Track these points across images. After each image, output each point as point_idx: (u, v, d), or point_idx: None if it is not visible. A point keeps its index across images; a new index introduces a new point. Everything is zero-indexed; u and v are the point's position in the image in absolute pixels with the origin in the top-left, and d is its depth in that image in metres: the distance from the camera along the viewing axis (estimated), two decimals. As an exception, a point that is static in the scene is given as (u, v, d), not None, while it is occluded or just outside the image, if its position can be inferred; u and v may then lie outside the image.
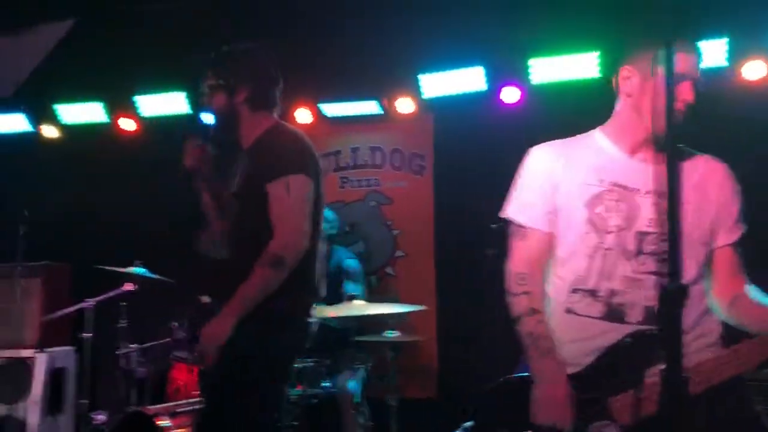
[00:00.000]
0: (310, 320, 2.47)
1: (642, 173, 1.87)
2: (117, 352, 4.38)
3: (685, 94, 1.80)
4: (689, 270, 1.74)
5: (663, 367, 1.59)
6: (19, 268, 4.25)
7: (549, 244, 1.94)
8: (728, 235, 1.91)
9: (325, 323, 3.80)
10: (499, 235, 4.20)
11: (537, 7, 4.38)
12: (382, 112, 5.12)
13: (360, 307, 3.58)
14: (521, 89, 4.63)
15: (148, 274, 4.28)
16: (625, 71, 1.90)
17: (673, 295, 1.04)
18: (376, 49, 4.87)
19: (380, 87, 5.03)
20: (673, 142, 1.07)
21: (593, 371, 1.81)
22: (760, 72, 4.19)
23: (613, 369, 1.77)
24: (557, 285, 1.94)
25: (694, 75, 1.83)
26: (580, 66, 4.41)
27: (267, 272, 2.25)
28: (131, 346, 4.44)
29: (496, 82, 4.71)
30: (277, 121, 2.54)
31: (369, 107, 5.12)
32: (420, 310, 4.03)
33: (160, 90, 5.24)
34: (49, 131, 5.53)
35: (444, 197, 5.04)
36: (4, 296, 4.66)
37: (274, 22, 5.08)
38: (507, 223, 2.00)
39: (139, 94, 5.26)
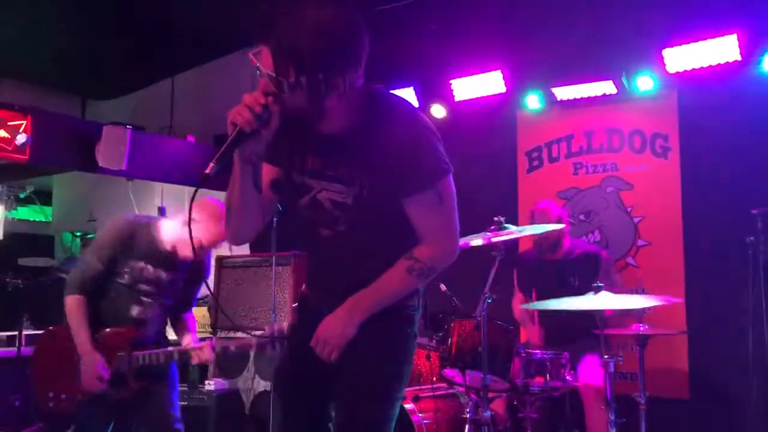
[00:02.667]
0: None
1: None
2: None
3: None
4: None
5: None
6: (273, 257, 4.62)
7: None
8: None
9: (568, 314, 3.69)
10: (762, 220, 3.82)
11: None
12: (619, 92, 4.81)
13: (605, 299, 3.38)
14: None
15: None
16: None
17: None
18: (611, 24, 4.60)
19: (616, 65, 4.73)
20: None
21: None
22: None
23: None
24: None
25: None
26: None
27: (412, 280, 1.89)
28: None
29: (754, 50, 4.21)
30: (372, 88, 1.82)
31: (604, 88, 4.84)
32: (668, 304, 3.72)
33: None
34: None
35: (692, 180, 4.61)
36: (262, 283, 5.13)
37: (499, 8, 5.04)
38: None
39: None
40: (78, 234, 8.59)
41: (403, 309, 1.98)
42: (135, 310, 3.08)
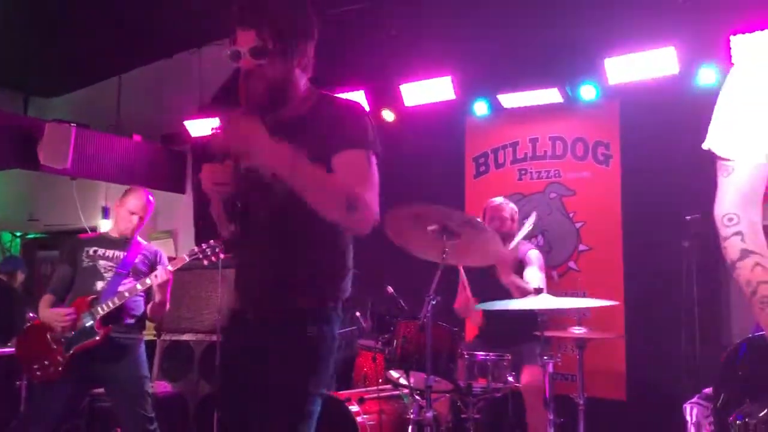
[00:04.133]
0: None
1: None
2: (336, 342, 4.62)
3: None
4: None
5: None
6: (220, 260, 4.59)
7: (762, 175, 1.63)
8: None
9: (509, 315, 3.77)
10: (695, 226, 3.97)
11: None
12: (563, 101, 4.95)
13: (546, 301, 3.47)
14: (720, 70, 4.27)
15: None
16: None
17: None
18: (557, 35, 4.73)
19: (561, 74, 4.87)
20: None
21: None
22: None
23: None
24: None
25: None
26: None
27: (336, 192, 1.85)
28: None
29: (691, 63, 4.39)
30: (323, 91, 2.09)
31: (549, 96, 4.97)
32: (607, 306, 3.84)
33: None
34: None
35: (632, 187, 4.78)
36: (209, 285, 5.09)
37: (447, 14, 5.12)
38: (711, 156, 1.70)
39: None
40: (18, 234, 8.35)
41: (322, 309, 2.01)
42: (99, 285, 3.70)
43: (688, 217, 3.97)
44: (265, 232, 2.02)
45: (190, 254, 3.82)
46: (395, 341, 3.56)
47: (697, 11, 4.25)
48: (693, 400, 2.65)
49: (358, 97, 5.46)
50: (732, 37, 4.14)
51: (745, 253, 1.59)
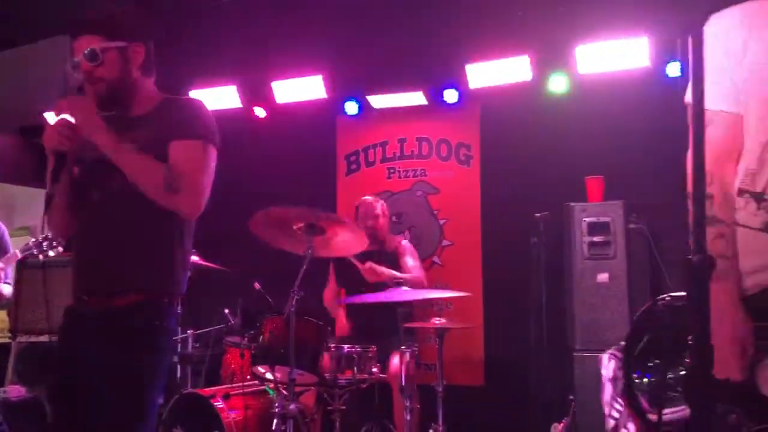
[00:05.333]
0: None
1: None
2: (174, 337, 4.55)
3: None
4: None
5: None
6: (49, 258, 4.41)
7: (739, 129, 1.55)
8: None
9: (375, 309, 3.91)
10: (543, 223, 4.29)
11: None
12: (429, 103, 5.17)
13: (406, 293, 3.63)
14: (569, 78, 4.63)
15: (201, 261, 4.41)
16: None
17: (699, 270, 0.90)
18: (424, 40, 4.93)
19: (426, 78, 5.08)
20: None
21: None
22: None
23: None
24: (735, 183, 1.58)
25: None
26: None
27: (154, 174, 1.96)
28: (188, 331, 4.62)
29: (543, 71, 4.72)
30: (169, 95, 2.25)
31: (415, 98, 5.17)
32: (467, 298, 4.08)
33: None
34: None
35: (490, 186, 5.07)
36: (67, 284, 4.87)
37: (322, 14, 5.19)
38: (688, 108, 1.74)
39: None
40: None
41: (156, 303, 2.05)
42: None
43: (537, 215, 4.28)
44: (97, 222, 2.06)
45: (24, 249, 3.63)
46: (261, 337, 3.61)
47: (546, 23, 4.57)
48: (611, 351, 2.66)
49: (230, 92, 5.43)
50: (578, 48, 4.50)
51: (710, 221, 1.48)
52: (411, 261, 4.37)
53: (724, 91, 1.55)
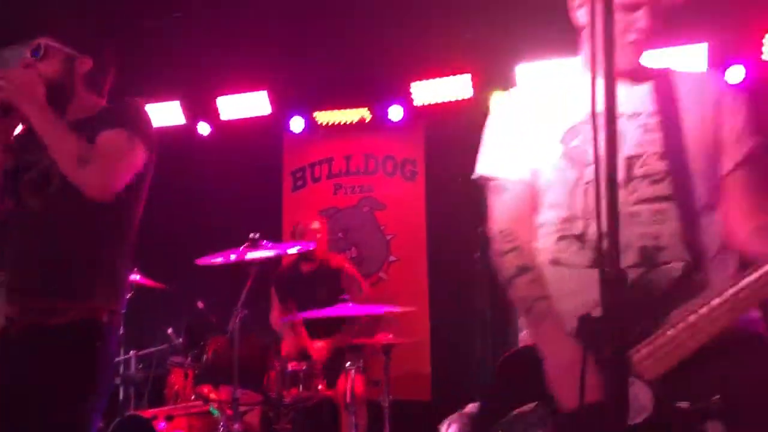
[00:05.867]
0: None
1: (625, 96, 1.58)
2: (116, 359, 4.44)
3: (640, 21, 1.60)
4: (701, 198, 1.57)
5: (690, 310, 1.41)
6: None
7: (530, 194, 1.70)
8: (734, 156, 1.62)
9: (318, 326, 3.91)
10: (485, 238, 4.35)
11: (526, 13, 4.47)
12: (374, 120, 5.22)
13: (351, 309, 3.64)
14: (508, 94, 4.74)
15: (143, 280, 4.34)
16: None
17: (612, 283, 0.95)
18: (368, 57, 4.97)
19: (372, 95, 5.13)
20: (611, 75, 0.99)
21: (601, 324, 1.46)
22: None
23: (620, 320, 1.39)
24: (543, 236, 1.69)
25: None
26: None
27: (72, 146, 1.93)
28: (130, 352, 4.52)
29: (485, 89, 4.82)
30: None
31: (361, 115, 5.21)
32: (414, 313, 4.11)
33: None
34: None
35: (435, 202, 5.14)
36: None
37: (266, 30, 5.19)
38: (482, 181, 1.79)
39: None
40: None
41: (94, 323, 1.99)
42: None
43: (479, 229, 4.34)
44: (31, 236, 2.00)
45: None
46: (205, 356, 3.56)
47: (488, 44, 4.68)
48: (453, 416, 2.64)
49: (173, 108, 5.37)
50: (518, 67, 4.61)
51: (522, 270, 1.61)
52: (357, 281, 4.44)
53: (516, 161, 1.70)
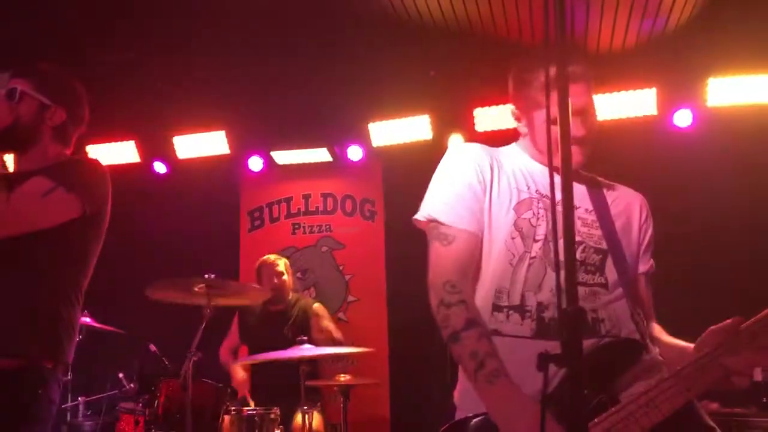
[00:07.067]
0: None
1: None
2: (63, 406, 4.27)
3: (575, 129, 1.63)
4: (625, 291, 1.69)
5: (648, 382, 1.47)
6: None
7: (477, 249, 1.66)
8: (644, 264, 1.82)
9: (275, 368, 3.82)
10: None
11: (485, 56, 4.56)
12: (333, 160, 5.22)
13: (308, 350, 3.58)
14: (467, 136, 4.81)
15: (93, 323, 4.21)
16: (514, 110, 1.82)
17: (572, 318, 0.95)
18: (326, 98, 5.00)
19: (330, 135, 5.15)
20: (567, 166, 1.06)
21: (557, 395, 1.47)
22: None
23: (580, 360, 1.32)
24: (477, 301, 1.63)
25: (582, 105, 1.68)
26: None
27: None
28: (78, 398, 4.35)
29: (443, 130, 4.88)
30: (74, 156, 2.22)
31: (320, 155, 5.22)
32: (372, 355, 4.06)
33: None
34: None
35: (394, 241, 5.13)
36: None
37: (225, 70, 5.19)
38: (427, 224, 1.72)
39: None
40: None
41: (36, 369, 1.93)
42: None
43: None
44: None
45: None
46: (156, 401, 3.45)
47: (446, 84, 4.76)
48: None
49: (129, 146, 5.30)
50: (474, 110, 4.69)
51: (471, 323, 1.51)
52: (330, 324, 4.37)
53: (471, 213, 1.66)
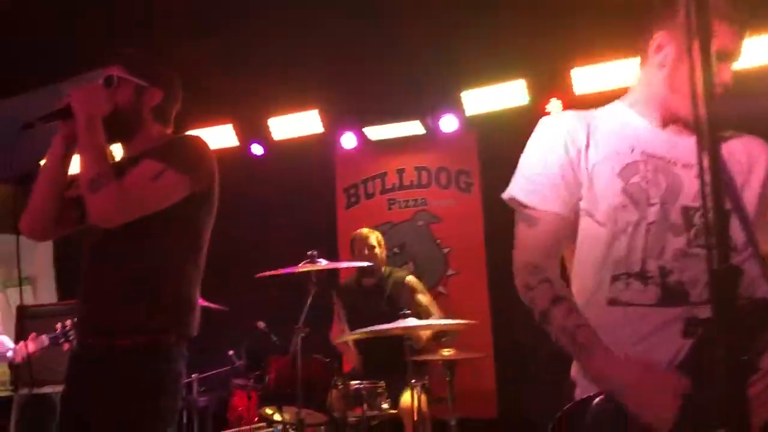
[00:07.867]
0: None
1: (677, 146, 1.59)
2: (181, 381, 4.45)
3: (724, 75, 1.54)
4: (750, 241, 1.53)
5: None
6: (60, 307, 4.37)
7: (564, 229, 1.61)
8: None
9: (382, 343, 3.82)
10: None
11: (577, 17, 4.35)
12: (426, 132, 5.15)
13: (413, 324, 3.55)
14: (566, 99, 4.61)
15: (203, 302, 4.34)
16: (657, 37, 1.61)
17: (726, 277, 0.87)
18: (417, 69, 4.92)
19: (423, 107, 5.07)
20: (712, 124, 0.94)
21: (688, 366, 1.42)
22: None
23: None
24: (587, 275, 1.60)
25: (735, 52, 1.57)
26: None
27: (93, 171, 1.92)
28: (192, 375, 4.52)
29: (539, 94, 4.70)
30: (177, 135, 2.26)
31: (412, 128, 5.15)
32: (475, 328, 3.98)
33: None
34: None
35: (493, 213, 5.01)
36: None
37: (314, 50, 5.20)
38: (513, 204, 1.67)
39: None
40: None
41: (158, 344, 1.98)
42: None
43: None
44: (97, 263, 2.03)
45: (52, 336, 3.52)
46: (267, 377, 3.53)
47: (543, 46, 4.56)
48: None
49: (226, 131, 5.42)
50: (573, 71, 4.48)
51: (557, 300, 1.52)
52: (425, 298, 4.33)
53: (556, 193, 1.60)
